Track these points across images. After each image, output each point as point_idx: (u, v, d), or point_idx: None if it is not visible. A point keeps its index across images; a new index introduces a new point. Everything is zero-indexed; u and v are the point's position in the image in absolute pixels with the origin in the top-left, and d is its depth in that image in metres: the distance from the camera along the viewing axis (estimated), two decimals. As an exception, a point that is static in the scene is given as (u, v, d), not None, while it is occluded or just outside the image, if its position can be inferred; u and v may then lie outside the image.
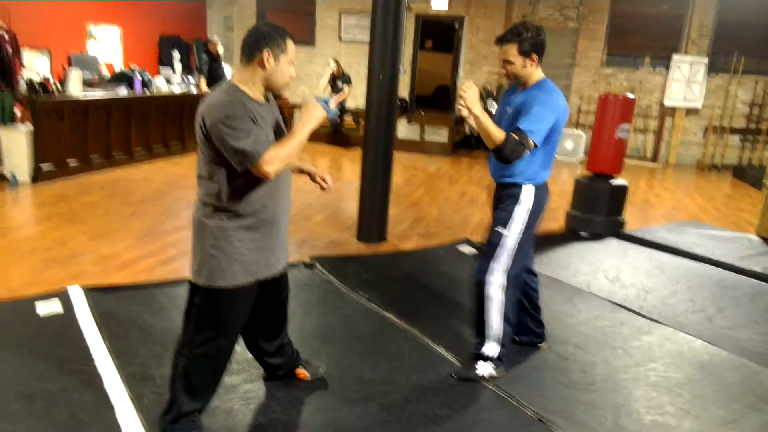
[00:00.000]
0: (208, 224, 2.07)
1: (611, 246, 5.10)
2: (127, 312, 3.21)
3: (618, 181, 5.38)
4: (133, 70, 7.90)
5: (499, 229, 2.70)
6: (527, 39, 2.61)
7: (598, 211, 5.32)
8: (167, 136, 7.85)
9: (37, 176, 5.97)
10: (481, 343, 2.79)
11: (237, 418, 2.38)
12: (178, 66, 8.93)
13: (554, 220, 5.68)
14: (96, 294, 3.36)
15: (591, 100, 10.13)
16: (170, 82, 8.24)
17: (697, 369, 3.04)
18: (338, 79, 9.59)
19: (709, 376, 2.98)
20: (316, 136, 10.84)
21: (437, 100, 11.86)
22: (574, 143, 9.96)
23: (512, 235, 2.68)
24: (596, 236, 5.26)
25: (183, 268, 3.90)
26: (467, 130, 2.97)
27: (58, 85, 6.48)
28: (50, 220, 4.87)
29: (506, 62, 2.65)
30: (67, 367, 2.63)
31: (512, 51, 2.62)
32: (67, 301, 3.24)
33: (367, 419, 2.44)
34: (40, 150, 5.97)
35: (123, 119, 7.09)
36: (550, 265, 4.49)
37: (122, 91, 7.17)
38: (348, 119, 10.18)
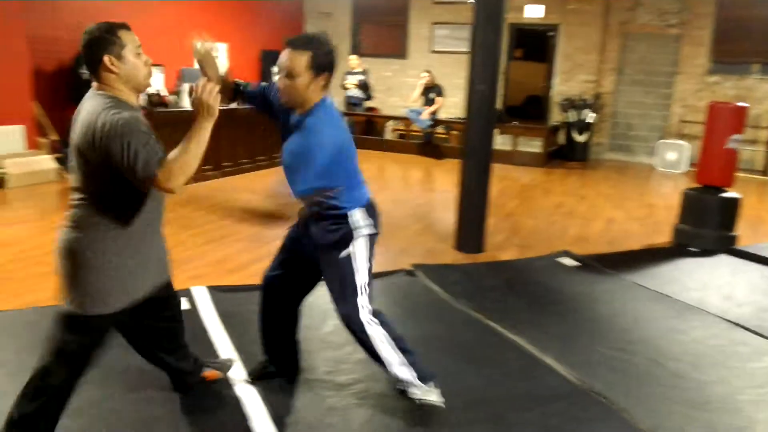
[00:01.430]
0: (81, 245, 1.85)
1: (722, 262, 4.86)
2: (246, 311, 3.41)
3: (729, 193, 5.12)
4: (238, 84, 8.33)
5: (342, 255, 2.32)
6: (324, 53, 2.11)
7: (709, 226, 5.07)
8: (269, 148, 8.19)
9: (155, 185, 6.40)
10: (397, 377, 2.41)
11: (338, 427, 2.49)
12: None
13: (661, 233, 5.49)
14: (217, 293, 3.61)
15: (695, 109, 9.67)
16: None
17: (826, 394, 2.87)
18: (430, 91, 9.68)
19: (841, 402, 2.80)
20: (407, 147, 11.24)
21: (528, 110, 11.71)
22: (678, 154, 9.54)
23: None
24: (706, 252, 5.02)
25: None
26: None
27: (172, 99, 6.94)
28: (168, 225, 5.22)
29: (289, 75, 2.11)
30: (196, 360, 2.84)
31: (301, 62, 2.09)
32: (191, 299, 3.49)
33: (477, 425, 2.48)
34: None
35: (231, 131, 7.51)
36: (656, 279, 4.35)
37: (232, 104, 7.58)
38: (440, 130, 10.23)
